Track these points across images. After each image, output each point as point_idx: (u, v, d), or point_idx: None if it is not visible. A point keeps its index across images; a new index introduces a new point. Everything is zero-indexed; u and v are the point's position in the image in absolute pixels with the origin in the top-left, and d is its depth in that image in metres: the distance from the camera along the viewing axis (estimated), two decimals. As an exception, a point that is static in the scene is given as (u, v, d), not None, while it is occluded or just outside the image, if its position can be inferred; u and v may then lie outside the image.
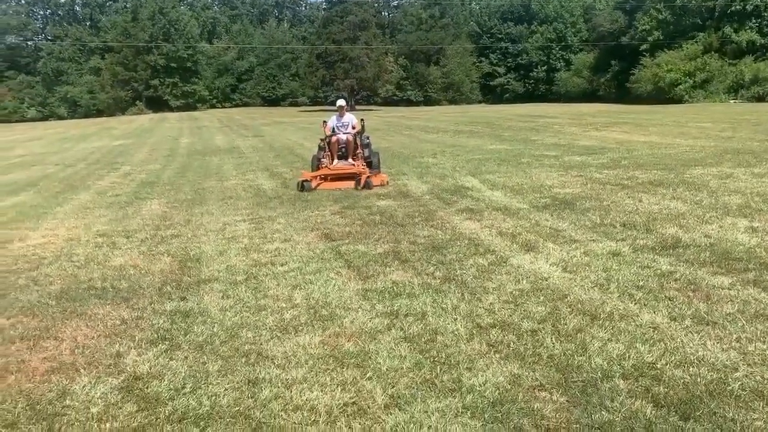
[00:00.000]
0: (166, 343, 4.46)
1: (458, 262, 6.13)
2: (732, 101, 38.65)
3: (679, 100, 41.81)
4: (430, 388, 3.64)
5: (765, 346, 3.97)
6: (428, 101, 71.16)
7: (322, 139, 12.14)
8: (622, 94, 50.58)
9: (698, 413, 3.22)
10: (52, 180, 14.52)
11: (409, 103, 69.67)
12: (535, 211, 8.34)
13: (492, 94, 75.93)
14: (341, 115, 12.05)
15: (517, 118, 31.23)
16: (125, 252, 7.18)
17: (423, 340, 4.31)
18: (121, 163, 17.68)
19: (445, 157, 15.20)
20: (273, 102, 76.84)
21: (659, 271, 5.60)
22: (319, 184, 10.92)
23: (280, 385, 3.74)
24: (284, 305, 5.15)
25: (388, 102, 67.73)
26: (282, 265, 6.35)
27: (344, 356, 4.11)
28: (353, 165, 11.39)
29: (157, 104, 70.12)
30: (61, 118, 66.66)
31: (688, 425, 3.12)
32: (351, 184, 10.84)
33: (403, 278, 5.71)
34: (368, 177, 10.88)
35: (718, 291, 5.03)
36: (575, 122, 26.50)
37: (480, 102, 73.97)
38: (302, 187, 10.76)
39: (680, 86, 43.62)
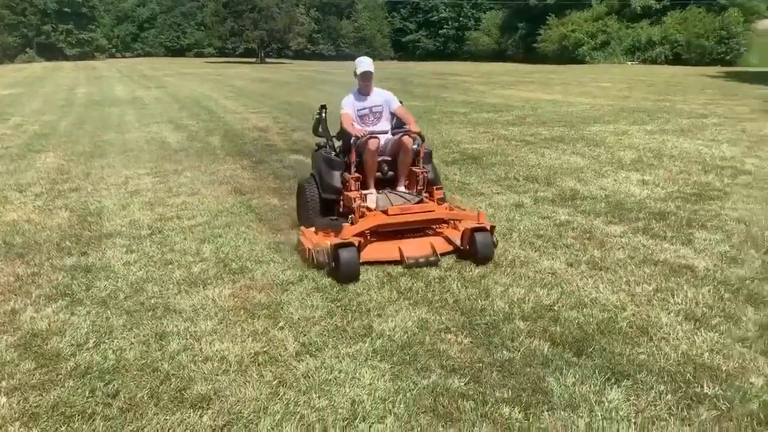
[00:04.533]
0: (67, 299, 4.28)
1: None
2: (629, 63, 40.54)
3: (581, 61, 43.38)
4: (341, 334, 3.71)
5: (650, 288, 4.30)
6: (341, 56, 70.12)
7: (324, 145, 5.90)
8: (530, 55, 51.85)
9: (590, 350, 3.47)
10: (-69, 131, 13.33)
11: (322, 57, 68.38)
12: (444, 166, 8.51)
13: (404, 51, 75.74)
14: (365, 93, 5.72)
15: (428, 75, 31.42)
16: (18, 207, 6.76)
17: (335, 290, 4.37)
18: (10, 114, 16.41)
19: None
20: (177, 52, 73.26)
21: (558, 221, 5.90)
22: (364, 246, 4.74)
23: (188, 337, 3.70)
24: (192, 259, 5.05)
25: (300, 56, 66.21)
26: (189, 219, 6.20)
27: (255, 308, 4.11)
28: (424, 199, 5.30)
29: (50, 52, 65.20)
30: (-63, 64, 60.84)
31: (581, 361, 3.36)
32: (428, 244, 4.89)
33: (315, 231, 5.70)
34: (483, 227, 4.82)
35: (611, 239, 5.37)
36: (483, 80, 27.01)
37: (392, 59, 73.70)
38: (335, 260, 4.47)
39: (583, 47, 45.20)
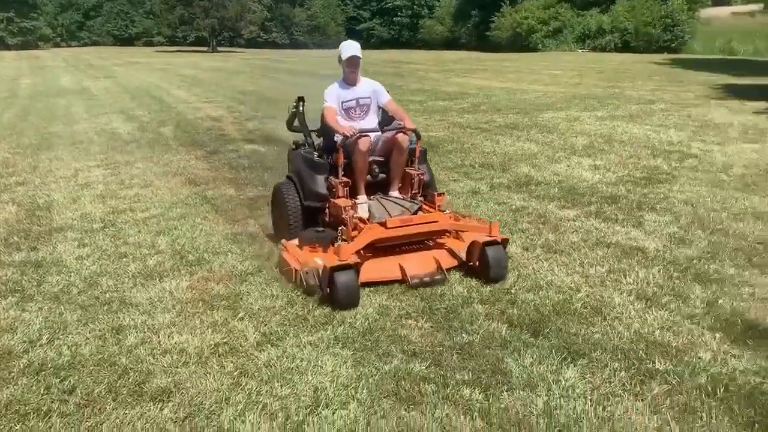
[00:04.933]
0: (17, 295, 4.16)
1: (327, 204, 6.18)
2: (580, 51, 41.25)
3: (534, 49, 43.96)
4: (302, 323, 3.71)
5: (603, 270, 4.42)
6: (294, 44, 69.35)
7: (302, 143, 5.25)
8: (483, 42, 52.26)
9: (547, 330, 3.55)
10: None
11: (275, 45, 67.45)
12: (401, 153, 8.53)
13: (358, 39, 75.24)
14: (351, 82, 5.02)
15: (382, 63, 31.36)
16: (-39, 202, 6.51)
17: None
18: (-52, 106, 15.74)
19: (319, 100, 15.00)
20: (126, 41, 71.18)
21: (513, 206, 6.01)
22: (359, 264, 3.98)
23: (146, 330, 3.64)
24: (147, 252, 4.97)
25: (253, 44, 65.21)
26: (143, 211, 6.09)
27: (214, 299, 4.07)
28: (424, 207, 4.66)
29: (-10, 41, 62.63)
30: None
31: (538, 341, 3.44)
32: (432, 259, 4.31)
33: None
34: (495, 241, 4.26)
35: (564, 223, 5.49)
36: (438, 69, 27.12)
37: (347, 47, 73.03)
38: (330, 285, 3.85)
39: (536, 34, 45.78)
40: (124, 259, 4.80)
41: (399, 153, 4.73)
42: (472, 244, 4.29)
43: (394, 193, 4.85)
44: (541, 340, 3.46)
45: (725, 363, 3.20)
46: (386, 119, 5.14)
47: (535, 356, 3.27)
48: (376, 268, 4.16)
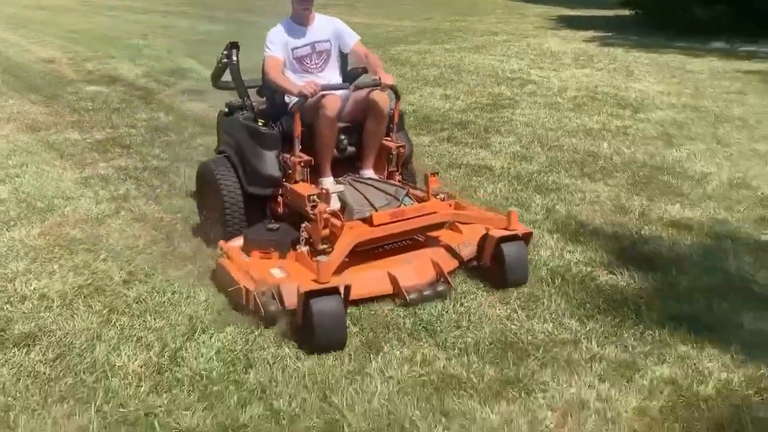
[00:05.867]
0: None
1: (186, 143, 6.04)
2: (428, -14, 41.87)
3: (383, -16, 44.05)
4: (168, 259, 3.69)
5: (457, 187, 4.77)
6: (129, -20, 64.02)
7: (240, 106, 3.95)
8: (332, -23, 51.47)
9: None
10: None
11: (107, -19, 62.01)
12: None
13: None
14: (303, 22, 3.89)
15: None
16: None
17: (155, 218, 4.29)
18: None
19: (157, 38, 14.14)
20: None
21: (373, 135, 6.20)
22: (349, 287, 2.87)
23: (-1, 280, 3.46)
24: (-12, 202, 4.62)
25: (81, -20, 59.43)
26: (-24, 161, 5.59)
27: (71, 243, 3.93)
28: (411, 191, 3.64)
29: None
30: None
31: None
32: (429, 263, 3.27)
33: (128, 163, 5.48)
34: (515, 235, 3.30)
35: (420, 148, 5.78)
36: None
37: (189, -18, 68.70)
38: (305, 314, 2.77)
39: (384, -30, 45.74)
40: (-39, 212, 4.44)
41: (377, 119, 3.61)
42: (483, 239, 3.36)
43: (368, 172, 3.74)
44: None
45: (562, 257, 3.65)
46: (349, 72, 4.05)
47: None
48: (358, 281, 3.01)
